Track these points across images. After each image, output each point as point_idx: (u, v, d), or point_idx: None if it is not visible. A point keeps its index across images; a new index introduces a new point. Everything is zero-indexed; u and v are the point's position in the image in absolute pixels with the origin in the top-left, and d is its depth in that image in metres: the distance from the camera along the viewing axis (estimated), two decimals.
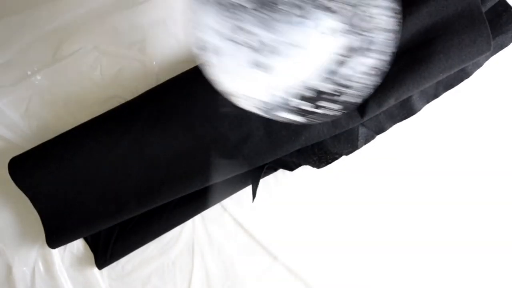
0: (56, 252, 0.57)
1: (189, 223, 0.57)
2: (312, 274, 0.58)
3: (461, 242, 0.59)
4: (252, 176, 0.54)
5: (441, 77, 0.50)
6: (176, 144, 0.51)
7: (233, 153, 0.51)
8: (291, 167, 0.55)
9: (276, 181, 0.58)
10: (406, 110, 0.54)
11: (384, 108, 0.50)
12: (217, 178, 0.51)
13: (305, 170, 0.58)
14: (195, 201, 0.55)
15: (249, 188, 0.57)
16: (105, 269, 0.57)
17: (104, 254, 0.55)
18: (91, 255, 0.56)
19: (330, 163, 0.54)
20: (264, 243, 0.58)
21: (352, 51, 0.31)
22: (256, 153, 0.51)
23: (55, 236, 0.52)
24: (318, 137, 0.51)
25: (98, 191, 0.51)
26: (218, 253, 0.58)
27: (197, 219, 0.58)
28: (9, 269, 0.56)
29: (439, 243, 0.59)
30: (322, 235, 0.58)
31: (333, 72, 0.32)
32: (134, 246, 0.56)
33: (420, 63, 0.49)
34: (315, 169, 0.55)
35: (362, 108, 0.50)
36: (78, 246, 0.57)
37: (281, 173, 0.58)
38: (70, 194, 0.51)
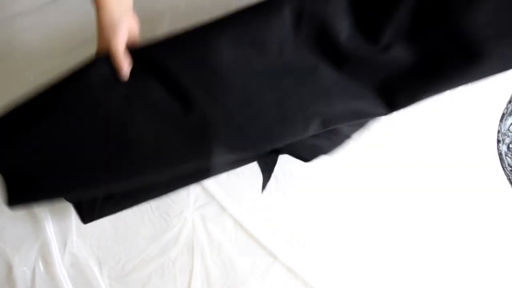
0: (56, 252, 0.57)
1: (189, 223, 0.58)
2: (312, 274, 0.58)
3: (457, 237, 0.59)
4: (263, 164, 0.53)
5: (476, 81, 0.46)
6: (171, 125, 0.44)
7: (239, 132, 0.45)
8: (305, 158, 0.53)
9: (277, 181, 0.58)
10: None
11: (415, 102, 0.47)
12: (219, 165, 0.48)
13: (305, 171, 0.58)
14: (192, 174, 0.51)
15: (249, 188, 0.57)
16: (105, 269, 0.57)
17: (92, 210, 0.50)
18: (91, 255, 0.56)
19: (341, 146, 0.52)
20: (264, 243, 0.58)
21: None
22: (264, 132, 0.46)
23: (17, 196, 0.45)
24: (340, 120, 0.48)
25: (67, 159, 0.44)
26: (218, 253, 0.58)
27: (197, 219, 0.58)
28: (9, 269, 0.56)
29: (440, 243, 0.59)
30: (322, 235, 0.58)
31: None
32: (122, 206, 0.52)
33: (458, 73, 0.45)
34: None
35: (390, 101, 0.47)
36: (78, 246, 0.57)
37: (281, 173, 0.58)
38: (36, 158, 0.44)
